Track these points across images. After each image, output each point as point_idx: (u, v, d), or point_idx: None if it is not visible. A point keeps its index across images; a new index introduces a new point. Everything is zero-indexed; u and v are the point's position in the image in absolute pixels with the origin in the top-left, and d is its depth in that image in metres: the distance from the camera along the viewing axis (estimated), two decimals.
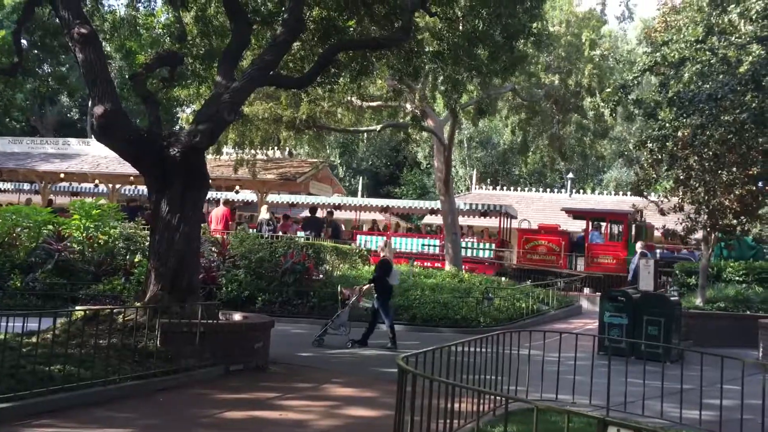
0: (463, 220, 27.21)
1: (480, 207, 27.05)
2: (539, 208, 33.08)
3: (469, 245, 25.57)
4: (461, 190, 40.03)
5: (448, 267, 21.26)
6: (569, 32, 22.96)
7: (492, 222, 28.72)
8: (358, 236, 26.01)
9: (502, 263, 25.44)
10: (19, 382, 6.71)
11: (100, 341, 8.13)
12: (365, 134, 29.79)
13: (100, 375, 7.41)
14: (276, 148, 24.41)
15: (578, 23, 23.10)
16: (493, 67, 13.76)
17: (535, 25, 14.04)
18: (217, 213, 19.15)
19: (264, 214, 20.16)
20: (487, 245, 26.01)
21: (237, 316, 10.58)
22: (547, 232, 25.52)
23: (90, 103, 9.55)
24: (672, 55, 14.49)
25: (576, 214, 26.77)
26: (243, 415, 7.08)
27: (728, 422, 6.73)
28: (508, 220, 27.74)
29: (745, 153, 13.50)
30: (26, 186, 30.76)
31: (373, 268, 18.63)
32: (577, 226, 27.05)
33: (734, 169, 13.55)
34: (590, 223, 24.88)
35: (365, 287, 12.89)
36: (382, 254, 13.00)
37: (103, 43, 12.56)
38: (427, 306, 14.89)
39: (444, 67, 14.03)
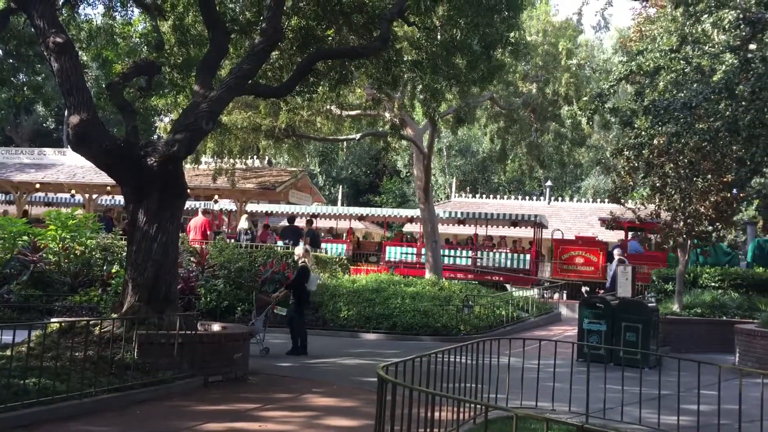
0: (493, 231, 26.92)
1: (512, 216, 26.53)
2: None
3: (505, 257, 25.20)
4: (441, 198, 40.15)
5: (428, 275, 21.29)
6: (546, 41, 23.19)
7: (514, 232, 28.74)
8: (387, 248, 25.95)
9: (533, 275, 24.75)
10: None
11: (76, 354, 8.02)
12: (344, 143, 29.86)
13: (75, 388, 7.30)
14: (255, 157, 24.35)
15: (555, 33, 23.34)
16: (472, 76, 13.84)
17: (512, 34, 14.16)
18: (195, 222, 19.01)
19: (243, 223, 20.04)
20: (521, 256, 25.52)
21: (216, 327, 10.49)
22: (584, 243, 24.86)
23: (66, 112, 9.45)
24: (647, 64, 14.69)
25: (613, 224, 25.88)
26: (222, 427, 7.02)
27: (705, 427, 6.80)
28: (540, 230, 27.00)
29: (719, 160, 13.69)
30: (1, 197, 30.38)
31: (354, 277, 18.66)
32: (610, 237, 26.51)
33: (709, 176, 13.73)
34: (628, 234, 24.00)
35: (282, 294, 12.75)
36: (300, 262, 12.65)
37: (80, 52, 12.45)
38: (408, 314, 14.89)
39: (423, 76, 14.09)
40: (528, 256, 25.47)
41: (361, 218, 29.21)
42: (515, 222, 26.92)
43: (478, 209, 28.90)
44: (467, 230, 29.71)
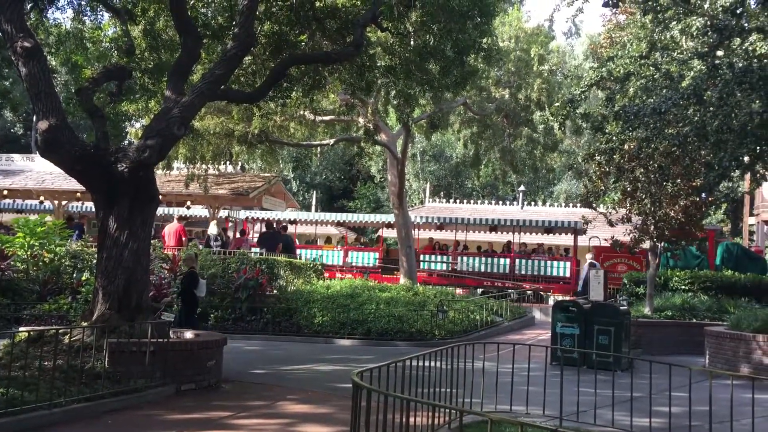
0: (530, 238, 26.61)
1: (549, 223, 26.15)
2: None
3: (544, 264, 24.66)
4: (415, 203, 40.24)
5: (402, 280, 21.30)
6: (518, 47, 23.40)
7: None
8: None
9: (573, 284, 24.05)
10: None
11: (46, 363, 7.88)
12: (318, 148, 29.78)
13: (45, 398, 7.16)
14: (228, 162, 24.18)
15: (527, 39, 23.56)
16: (445, 82, 13.92)
17: (485, 40, 14.27)
18: (170, 229, 18.80)
19: (212, 229, 19.86)
20: (561, 264, 24.98)
21: (188, 334, 10.38)
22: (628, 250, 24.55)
23: (34, 117, 9.30)
24: (617, 70, 14.89)
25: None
26: None
27: (677, 429, 6.88)
28: (575, 236, 26.31)
29: (688, 165, 13.90)
30: None
31: (329, 282, 18.60)
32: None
33: (678, 180, 13.94)
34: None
35: (170, 300, 12.54)
36: (185, 267, 12.48)
37: (48, 57, 12.29)
38: (382, 320, 14.87)
39: (396, 82, 14.13)
40: (568, 264, 24.89)
41: (338, 224, 29.06)
42: (550, 229, 26.47)
43: (452, 214, 28.99)
44: (447, 235, 29.79)
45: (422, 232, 29.41)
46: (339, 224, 29.85)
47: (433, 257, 26.37)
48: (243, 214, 27.68)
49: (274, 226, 23.83)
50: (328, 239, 30.67)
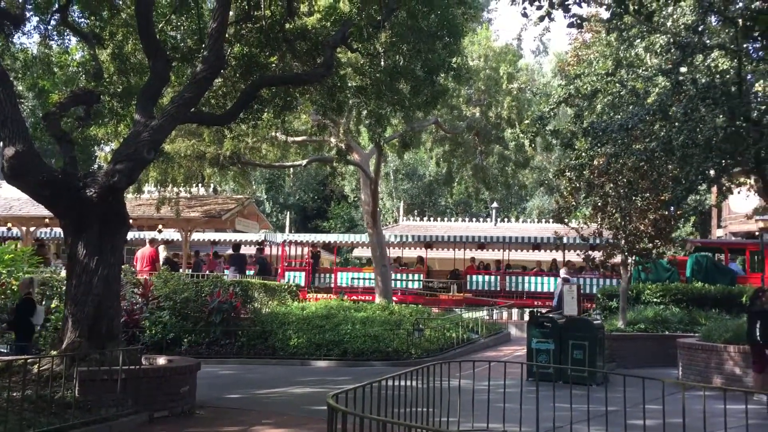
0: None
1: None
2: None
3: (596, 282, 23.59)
4: (389, 222, 40.26)
5: (378, 299, 21.25)
6: (488, 66, 23.64)
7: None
8: None
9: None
10: None
11: (14, 394, 7.71)
12: (291, 169, 29.74)
13: (14, 430, 6.99)
14: (200, 185, 24.00)
15: (496, 57, 23.82)
16: (416, 101, 14.00)
17: (454, 59, 14.39)
18: (143, 253, 18.58)
19: (161, 254, 19.39)
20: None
21: (161, 360, 10.24)
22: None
23: (0, 144, 9.17)
24: (584, 87, 15.09)
25: (710, 246, 24.28)
26: None
27: None
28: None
29: (656, 180, 14.12)
30: None
31: (304, 304, 18.49)
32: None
33: (647, 195, 14.15)
34: (729, 254, 23.18)
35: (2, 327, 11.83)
36: (22, 293, 11.55)
37: (15, 82, 12.14)
38: (358, 340, 14.80)
39: (367, 102, 14.19)
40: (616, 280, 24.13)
41: (313, 245, 28.96)
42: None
43: (426, 232, 29.02)
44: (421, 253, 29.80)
45: (412, 251, 29.39)
46: (314, 245, 29.69)
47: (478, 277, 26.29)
48: (280, 237, 27.70)
49: (260, 247, 23.76)
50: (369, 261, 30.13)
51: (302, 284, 25.89)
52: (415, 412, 7.11)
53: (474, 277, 26.25)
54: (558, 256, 26.69)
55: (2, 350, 11.51)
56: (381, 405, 6.29)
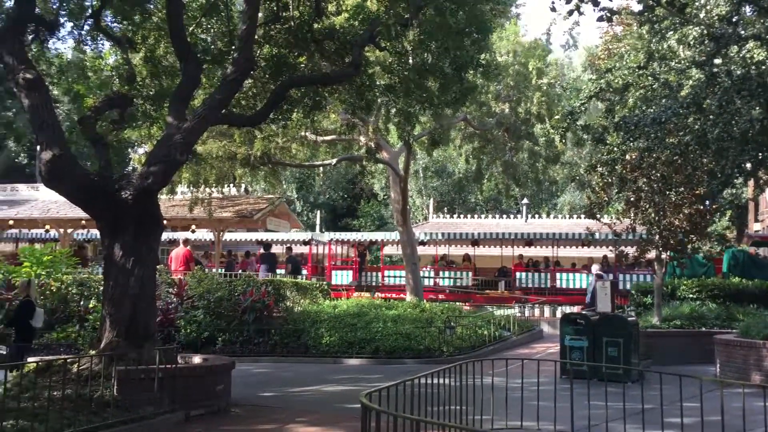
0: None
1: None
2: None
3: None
4: (419, 220, 40.23)
5: (408, 297, 21.25)
6: (517, 62, 23.48)
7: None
8: None
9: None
10: None
11: (54, 393, 7.86)
12: (321, 168, 29.88)
13: (55, 428, 7.14)
14: (231, 185, 24.24)
15: (525, 53, 23.65)
16: (444, 98, 13.97)
17: (482, 56, 14.33)
18: (177, 253, 18.84)
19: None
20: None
21: (196, 359, 10.38)
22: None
23: (38, 148, 9.38)
24: (616, 81, 14.94)
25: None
26: None
27: None
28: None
29: (690, 174, 13.91)
30: None
31: (336, 302, 18.57)
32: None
33: (681, 189, 13.93)
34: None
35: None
36: (23, 295, 11.39)
37: (50, 87, 12.38)
38: (390, 338, 14.82)
39: (396, 100, 14.19)
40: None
41: (360, 243, 29.01)
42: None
43: (456, 229, 28.95)
44: (454, 251, 29.72)
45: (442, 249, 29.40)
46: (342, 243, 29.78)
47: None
48: (327, 236, 28.01)
49: (288, 247, 23.95)
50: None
51: (349, 283, 26.08)
52: (449, 411, 7.11)
53: (523, 274, 26.04)
54: (592, 252, 26.45)
55: (2, 352, 11.46)
56: (414, 403, 6.30)
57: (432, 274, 27.08)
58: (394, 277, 26.84)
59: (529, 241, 27.45)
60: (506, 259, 29.01)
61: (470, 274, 26.73)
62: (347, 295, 23.16)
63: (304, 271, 25.21)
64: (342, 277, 26.72)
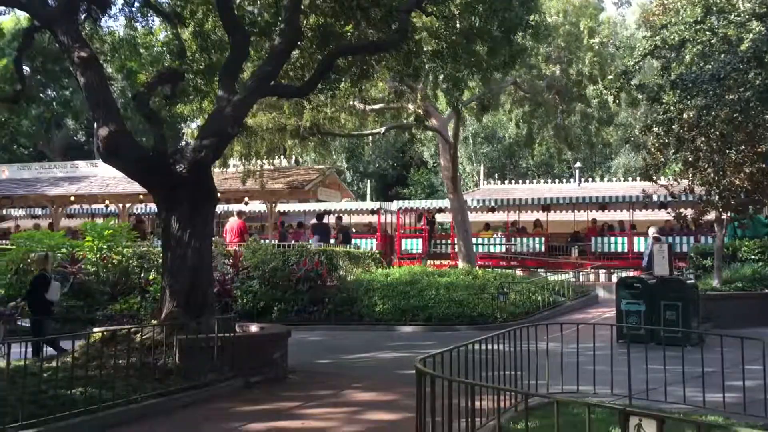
0: None
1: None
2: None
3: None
4: (469, 187, 39.95)
5: (461, 265, 21.22)
6: (567, 21, 22.86)
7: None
8: None
9: None
10: (42, 407, 6.75)
11: (120, 361, 8.18)
12: (370, 137, 29.80)
13: (121, 395, 7.45)
14: (282, 157, 24.46)
15: (576, 12, 23.00)
16: (493, 62, 13.74)
17: (532, 17, 13.99)
18: (231, 225, 19.21)
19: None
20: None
21: (254, 328, 10.62)
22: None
23: (95, 125, 9.61)
24: (672, 37, 14.42)
25: None
26: (265, 427, 7.10)
27: (752, 404, 6.69)
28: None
29: (752, 131, 13.40)
30: (38, 211, 31.00)
31: (388, 270, 18.69)
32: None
33: (742, 147, 13.45)
34: None
35: (19, 303, 11.57)
36: (39, 269, 11.39)
37: (104, 65, 12.64)
38: (443, 305, 14.88)
39: (444, 66, 14.01)
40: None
41: (428, 211, 28.76)
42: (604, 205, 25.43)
43: (507, 195, 28.58)
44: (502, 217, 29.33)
45: (494, 216, 29.08)
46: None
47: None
48: (395, 205, 28.12)
49: (334, 218, 24.19)
50: (487, 226, 29.81)
51: (420, 251, 26.11)
52: (503, 376, 7.11)
53: (600, 239, 25.19)
54: (649, 216, 25.73)
55: (26, 325, 11.58)
56: (468, 369, 6.32)
57: (504, 240, 26.64)
58: (475, 244, 26.34)
59: (603, 205, 26.35)
60: (564, 224, 28.53)
61: (543, 240, 26.23)
62: (419, 262, 23.26)
63: (374, 241, 25.46)
64: (412, 245, 26.78)
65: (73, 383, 7.32)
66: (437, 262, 24.01)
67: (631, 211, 25.95)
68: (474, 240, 25.80)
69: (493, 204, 27.10)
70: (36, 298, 10.95)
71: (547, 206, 26.91)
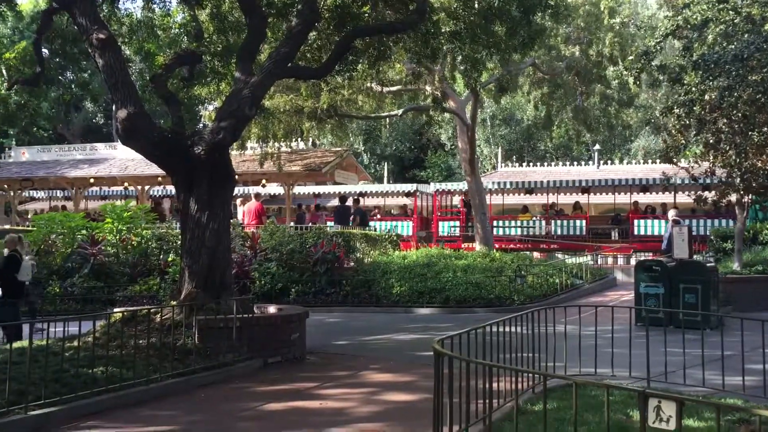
0: None
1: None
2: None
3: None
4: (487, 169, 39.76)
5: (478, 247, 21.18)
6: (587, 1, 22.55)
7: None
8: None
9: None
10: (64, 385, 6.86)
11: (140, 341, 8.27)
12: (387, 119, 29.71)
13: (141, 374, 7.54)
14: (299, 139, 24.47)
15: None
16: (512, 43, 13.60)
17: None
18: (249, 207, 19.29)
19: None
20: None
21: (272, 309, 10.69)
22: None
23: (113, 107, 9.65)
24: (694, 17, 14.20)
25: None
26: (283, 407, 7.16)
27: None
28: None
29: None
30: (58, 193, 31.32)
31: (405, 253, 18.70)
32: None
33: (765, 129, 13.25)
34: None
35: None
36: (10, 249, 10.75)
37: (122, 47, 12.67)
38: (460, 287, 14.88)
39: (462, 47, 13.90)
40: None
41: (464, 193, 28.65)
42: (646, 187, 24.77)
43: (525, 178, 28.39)
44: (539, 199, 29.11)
45: (512, 198, 28.89)
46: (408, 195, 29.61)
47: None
48: (432, 187, 28.07)
49: (354, 200, 24.21)
50: (524, 208, 28.98)
51: (457, 233, 26.10)
52: (521, 358, 7.10)
53: (641, 221, 24.77)
54: (669, 198, 25.43)
55: None
56: (486, 350, 6.32)
57: (543, 223, 26.37)
58: (499, 227, 26.29)
59: (645, 187, 25.64)
60: (596, 207, 28.23)
61: (585, 222, 25.85)
62: (459, 245, 23.22)
63: (410, 223, 25.47)
64: (449, 228, 26.72)
65: (95, 362, 7.42)
66: (467, 245, 23.93)
67: (673, 193, 25.37)
68: (512, 223, 25.71)
69: (510, 186, 26.91)
70: (6, 279, 10.56)
71: (586, 188, 26.49)
